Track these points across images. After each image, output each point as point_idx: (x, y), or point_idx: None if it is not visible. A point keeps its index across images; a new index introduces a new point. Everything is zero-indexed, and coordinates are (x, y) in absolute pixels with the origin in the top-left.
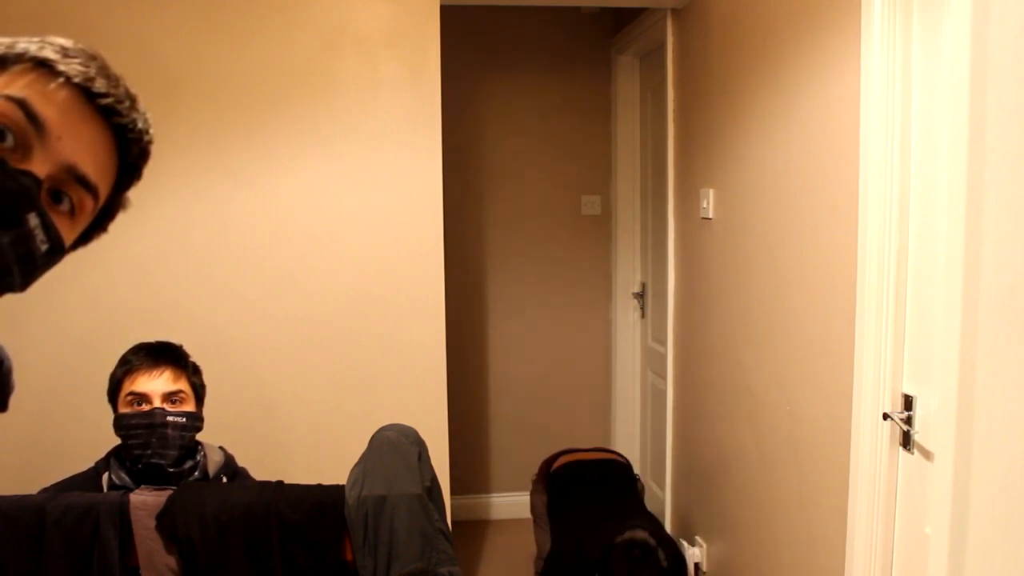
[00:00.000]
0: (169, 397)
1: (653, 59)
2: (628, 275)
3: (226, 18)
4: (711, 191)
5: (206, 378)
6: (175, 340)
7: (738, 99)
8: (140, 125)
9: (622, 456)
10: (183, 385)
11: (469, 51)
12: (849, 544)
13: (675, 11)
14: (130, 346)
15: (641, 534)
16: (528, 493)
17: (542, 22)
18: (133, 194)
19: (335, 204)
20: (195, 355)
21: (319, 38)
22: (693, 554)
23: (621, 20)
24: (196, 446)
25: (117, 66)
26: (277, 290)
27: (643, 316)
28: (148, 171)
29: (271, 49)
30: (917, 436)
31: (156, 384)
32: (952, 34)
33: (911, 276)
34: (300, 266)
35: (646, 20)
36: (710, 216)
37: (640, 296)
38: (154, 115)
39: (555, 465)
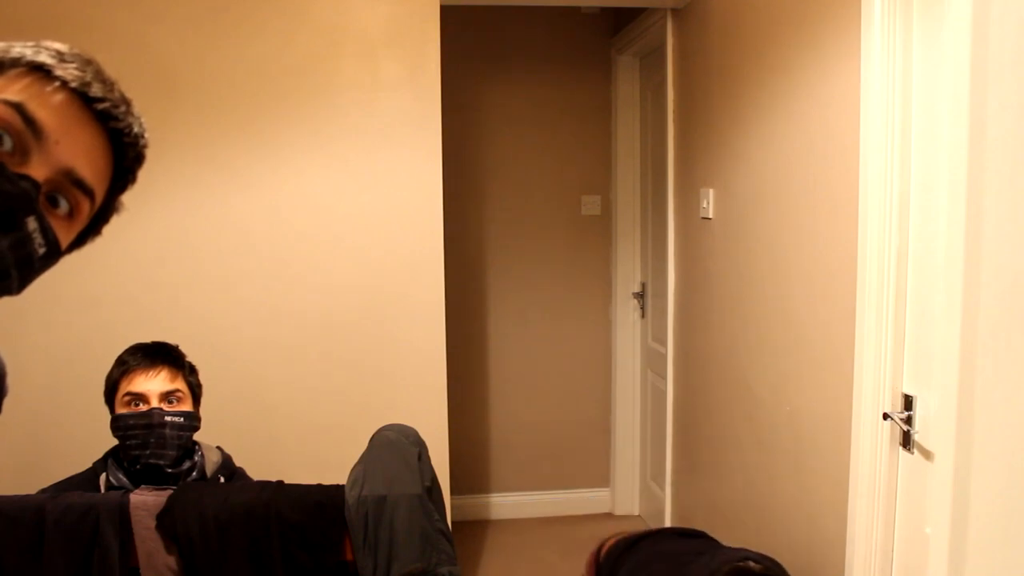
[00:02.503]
0: (166, 397)
1: (653, 59)
2: (628, 275)
3: (227, 19)
4: (711, 191)
5: (206, 378)
6: (175, 340)
7: (738, 99)
8: (136, 129)
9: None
10: (180, 385)
11: (469, 51)
12: (849, 544)
13: (675, 11)
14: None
15: (756, 567)
16: (528, 493)
17: (542, 22)
18: (134, 193)
19: (335, 204)
20: (195, 355)
21: (319, 38)
22: None
23: (621, 20)
24: (194, 446)
25: (119, 67)
26: (277, 290)
27: (643, 316)
28: (149, 171)
29: (272, 50)
30: (917, 436)
31: (153, 384)
32: (952, 32)
33: (911, 276)
34: (300, 266)
35: (646, 20)
36: (710, 216)
37: (640, 296)
38: (155, 116)
39: (605, 547)
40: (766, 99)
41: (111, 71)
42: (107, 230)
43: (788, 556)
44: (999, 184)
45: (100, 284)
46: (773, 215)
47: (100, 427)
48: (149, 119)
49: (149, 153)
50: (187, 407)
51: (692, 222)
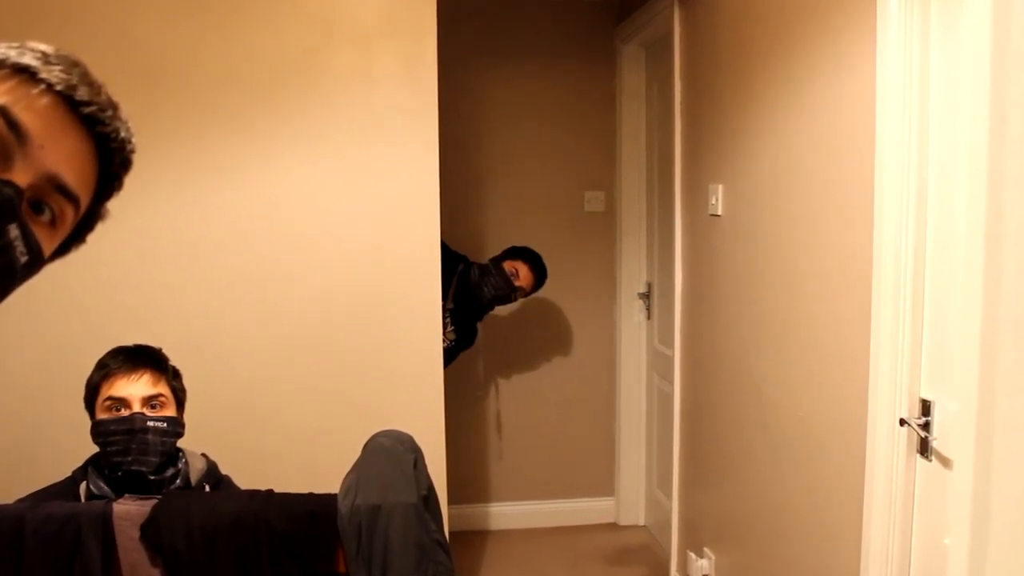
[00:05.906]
0: (149, 401)
1: (659, 49)
2: (633, 275)
3: (217, 10)
4: (720, 187)
5: (194, 382)
6: (165, 342)
7: (748, 91)
8: (123, 134)
9: None
10: (163, 389)
11: (467, 41)
12: (864, 555)
13: None
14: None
15: None
16: (529, 502)
17: (543, 10)
18: (125, 191)
19: (328, 201)
20: (184, 358)
21: (312, 30)
22: (701, 566)
23: (626, 8)
24: (177, 453)
25: (104, 61)
26: (268, 291)
27: (649, 317)
28: (136, 168)
29: (263, 42)
30: (935, 443)
31: (135, 388)
32: (972, 23)
33: (929, 275)
34: (293, 266)
35: (652, 8)
36: (719, 213)
37: (646, 296)
38: (143, 110)
39: None
40: (778, 91)
41: (96, 65)
42: (97, 230)
43: (800, 568)
44: (1021, 179)
45: (89, 286)
46: (785, 212)
47: (85, 432)
48: (136, 114)
49: (137, 149)
50: (170, 412)
51: (700, 219)
